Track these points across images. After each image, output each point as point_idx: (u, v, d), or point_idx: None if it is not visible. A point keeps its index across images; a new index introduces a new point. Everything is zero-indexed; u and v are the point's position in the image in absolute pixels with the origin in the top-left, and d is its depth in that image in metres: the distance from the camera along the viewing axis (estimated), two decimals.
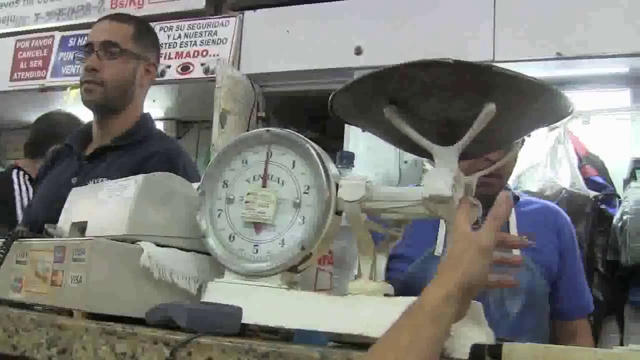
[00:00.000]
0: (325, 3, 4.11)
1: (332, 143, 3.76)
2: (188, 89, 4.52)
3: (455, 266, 1.09)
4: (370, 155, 3.75)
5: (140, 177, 1.50)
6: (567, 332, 2.36)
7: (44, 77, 4.85)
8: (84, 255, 1.35)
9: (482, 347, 1.06)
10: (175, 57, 4.38)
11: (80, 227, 1.58)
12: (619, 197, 3.74)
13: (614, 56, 3.46)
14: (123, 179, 1.59)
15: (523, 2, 3.68)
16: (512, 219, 2.24)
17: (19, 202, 3.54)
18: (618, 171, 3.87)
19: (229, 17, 4.38)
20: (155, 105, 4.77)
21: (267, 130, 1.43)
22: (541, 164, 3.78)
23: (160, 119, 4.96)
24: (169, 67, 4.35)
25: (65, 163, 2.55)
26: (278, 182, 1.40)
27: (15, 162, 3.90)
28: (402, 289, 1.41)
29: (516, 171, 2.48)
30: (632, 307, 3.58)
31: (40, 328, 1.30)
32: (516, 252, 2.02)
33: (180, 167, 2.38)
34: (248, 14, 4.33)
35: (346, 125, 3.23)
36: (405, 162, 3.97)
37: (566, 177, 3.77)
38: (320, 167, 1.35)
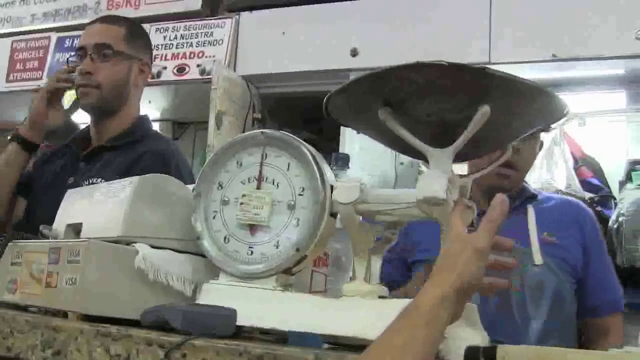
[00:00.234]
0: (321, 5, 4.11)
1: (328, 144, 3.76)
2: (184, 90, 4.52)
3: (451, 268, 1.09)
4: (366, 156, 3.75)
5: (135, 179, 1.50)
6: (598, 330, 2.32)
7: (40, 78, 4.84)
8: (78, 256, 1.35)
9: (476, 349, 1.06)
10: (171, 59, 4.38)
11: (75, 229, 1.58)
12: (615, 199, 3.74)
13: (609, 58, 3.46)
14: (118, 180, 1.59)
15: (519, 4, 3.68)
16: (531, 218, 2.24)
17: None
18: (614, 173, 3.87)
19: (224, 18, 4.38)
20: (151, 107, 4.77)
21: (262, 132, 1.43)
22: (537, 166, 3.77)
23: (157, 120, 4.95)
24: (165, 68, 4.35)
25: (62, 163, 2.55)
26: (273, 183, 1.40)
27: None
28: None
29: None
30: (629, 309, 3.58)
31: (35, 330, 1.30)
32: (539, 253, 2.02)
33: (173, 166, 2.38)
34: (244, 15, 4.32)
35: (342, 126, 3.24)
36: (402, 163, 3.96)
37: (562, 178, 3.77)
38: (315, 169, 1.35)
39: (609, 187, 3.87)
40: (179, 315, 1.21)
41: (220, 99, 3.93)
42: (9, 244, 1.58)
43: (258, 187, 1.41)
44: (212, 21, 4.41)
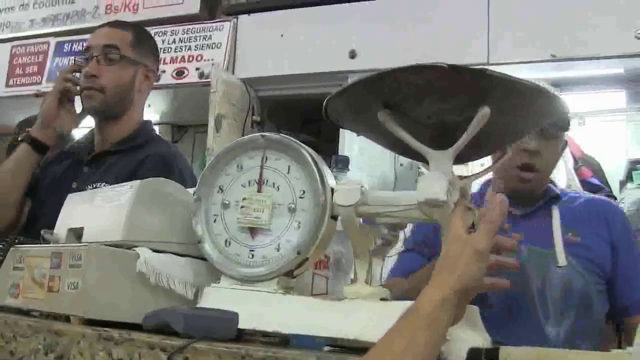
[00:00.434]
0: (319, 7, 4.11)
1: (327, 146, 3.76)
2: (183, 93, 4.52)
3: (451, 270, 1.09)
4: (365, 158, 3.75)
5: (135, 183, 1.50)
6: (631, 331, 2.22)
7: (40, 83, 4.85)
8: (80, 261, 1.35)
9: (479, 351, 1.06)
10: (170, 62, 4.38)
11: (76, 233, 1.58)
12: (616, 199, 3.74)
13: (608, 57, 3.46)
14: (119, 184, 1.59)
15: (517, 4, 3.68)
16: (556, 218, 2.22)
17: None
18: (614, 172, 3.88)
19: (223, 21, 4.38)
20: (151, 110, 4.77)
21: (262, 136, 1.43)
22: None
23: (156, 124, 4.94)
24: (163, 71, 4.34)
25: (65, 167, 2.55)
26: (273, 186, 1.40)
27: None
28: None
29: None
30: None
31: (37, 334, 1.30)
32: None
33: (176, 171, 2.38)
34: (242, 18, 4.33)
35: (341, 128, 3.24)
36: (401, 164, 3.97)
37: (562, 178, 3.76)
38: (316, 171, 1.35)
39: (609, 187, 3.87)
40: (181, 319, 1.21)
41: (220, 102, 3.93)
42: (11, 248, 1.59)
43: (259, 190, 1.41)
44: (211, 24, 4.42)
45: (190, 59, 4.38)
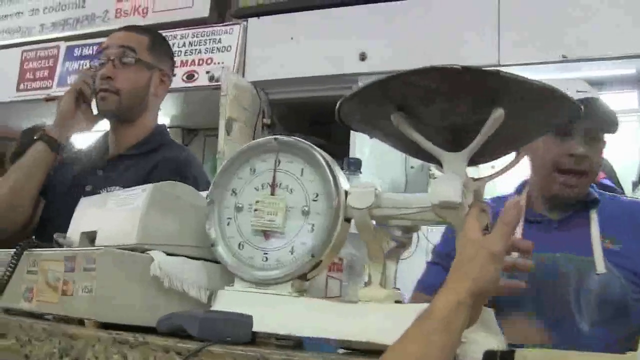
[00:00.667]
0: (329, 9, 4.12)
1: (338, 149, 3.76)
2: (193, 96, 4.53)
3: (466, 272, 1.09)
4: (376, 160, 3.75)
5: (149, 186, 1.50)
6: None
7: (50, 87, 4.87)
8: (94, 264, 1.35)
9: (494, 354, 1.06)
10: (180, 66, 4.39)
11: (89, 237, 1.58)
12: None
13: (620, 58, 3.45)
14: (131, 188, 1.59)
15: (527, 5, 3.68)
16: (594, 224, 2.15)
17: None
18: (626, 174, 3.86)
19: (232, 25, 4.39)
20: (161, 113, 4.74)
21: (275, 139, 1.43)
22: None
23: (166, 127, 4.97)
24: (174, 75, 4.36)
25: (79, 170, 2.55)
26: (287, 189, 1.40)
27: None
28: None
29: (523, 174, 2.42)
30: None
31: (52, 337, 1.30)
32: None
33: (190, 175, 2.38)
34: (252, 21, 4.34)
35: (352, 131, 3.24)
36: (412, 167, 3.97)
37: None
38: (329, 174, 1.35)
39: (621, 188, 3.85)
40: (196, 322, 1.21)
41: (230, 105, 3.94)
42: (25, 252, 1.59)
43: (272, 193, 1.41)
44: (220, 28, 4.43)
45: (201, 62, 4.39)
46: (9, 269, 1.58)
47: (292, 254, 1.36)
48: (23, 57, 5.08)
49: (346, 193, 1.34)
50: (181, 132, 5.15)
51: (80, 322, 1.35)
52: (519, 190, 2.32)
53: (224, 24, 4.43)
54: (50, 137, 2.44)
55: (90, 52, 4.65)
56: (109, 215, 1.57)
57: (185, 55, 4.42)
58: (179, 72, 4.36)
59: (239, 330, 1.24)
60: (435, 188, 1.21)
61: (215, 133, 4.11)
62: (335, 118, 1.37)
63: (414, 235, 1.41)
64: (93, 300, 1.33)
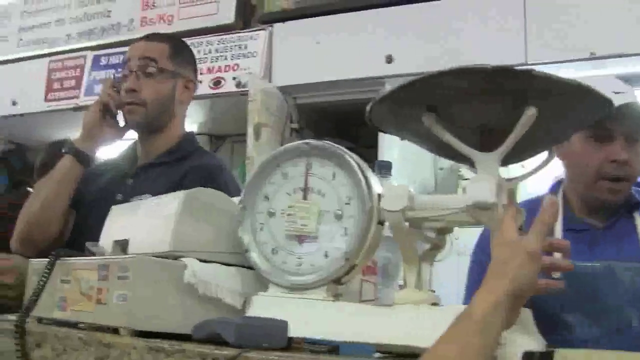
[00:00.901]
0: (354, 13, 4.10)
1: (366, 152, 3.75)
2: (220, 103, 4.52)
3: (503, 273, 1.08)
4: (405, 163, 3.73)
5: (181, 193, 1.50)
6: None
7: (78, 97, 4.89)
8: (128, 272, 1.35)
9: (533, 355, 1.05)
10: (207, 72, 4.39)
11: (122, 245, 1.59)
12: None
13: None
14: (163, 195, 1.60)
15: (552, 2, 3.65)
16: None
17: None
18: None
19: (258, 30, 4.39)
20: (188, 121, 4.76)
21: (306, 143, 1.43)
22: None
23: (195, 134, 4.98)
24: (200, 82, 4.36)
25: (108, 180, 2.56)
26: (319, 194, 1.40)
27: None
28: None
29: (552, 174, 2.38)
30: None
31: (88, 346, 1.30)
32: None
33: (221, 181, 2.38)
34: (277, 26, 4.33)
35: (380, 133, 3.23)
36: (441, 169, 3.94)
37: None
38: (361, 177, 1.35)
39: None
40: (232, 329, 1.21)
41: (258, 111, 3.93)
42: (57, 262, 1.59)
43: (304, 198, 1.41)
44: (246, 34, 4.42)
45: (227, 68, 4.39)
46: (42, 278, 1.58)
47: (326, 258, 1.36)
48: (50, 68, 5.10)
49: (379, 196, 1.33)
50: (208, 139, 5.15)
51: (115, 330, 1.35)
52: (552, 190, 2.29)
53: (249, 29, 4.43)
54: (77, 150, 2.45)
55: (117, 60, 4.67)
56: (141, 223, 1.57)
57: (211, 62, 4.42)
58: (206, 79, 4.36)
59: (274, 336, 1.24)
60: (470, 189, 1.21)
61: (242, 139, 4.11)
62: (364, 120, 1.36)
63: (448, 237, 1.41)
64: (127, 308, 1.33)
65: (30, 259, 1.78)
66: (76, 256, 1.59)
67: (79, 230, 2.48)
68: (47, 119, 5.10)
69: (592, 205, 2.15)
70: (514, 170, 1.38)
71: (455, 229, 1.39)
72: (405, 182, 3.60)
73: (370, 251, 1.35)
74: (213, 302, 1.41)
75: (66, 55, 5.12)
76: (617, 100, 1.56)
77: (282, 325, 1.26)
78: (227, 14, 4.57)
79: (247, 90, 4.01)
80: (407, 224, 1.31)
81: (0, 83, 5.22)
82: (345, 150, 1.40)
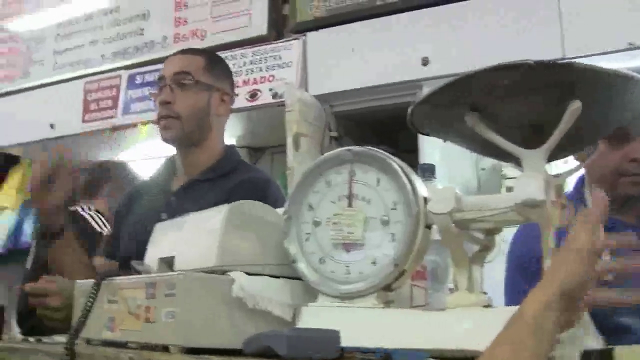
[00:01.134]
0: (387, 17, 4.08)
1: (406, 157, 3.73)
2: (257, 115, 4.53)
3: (554, 272, 1.06)
4: (446, 165, 3.71)
5: (224, 207, 1.49)
6: None
7: (115, 116, 4.92)
8: (175, 289, 1.35)
9: (592, 353, 1.03)
10: (243, 85, 4.40)
11: (167, 262, 1.58)
12: None
13: None
14: (206, 210, 1.59)
15: None
16: None
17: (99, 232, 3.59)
18: None
19: (292, 40, 4.39)
20: (226, 134, 4.79)
21: (349, 150, 1.42)
22: None
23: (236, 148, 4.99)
24: (237, 95, 4.37)
25: (150, 199, 2.55)
26: (364, 200, 1.38)
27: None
28: None
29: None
30: None
31: None
32: None
33: (271, 195, 2.36)
34: (311, 35, 4.32)
35: (420, 137, 3.21)
36: (483, 169, 3.91)
37: None
38: (406, 181, 1.33)
39: None
40: (284, 341, 1.19)
41: (296, 121, 3.93)
42: (103, 282, 1.59)
43: (349, 205, 1.39)
44: (280, 44, 4.43)
45: (263, 80, 4.39)
46: (89, 299, 1.58)
47: (374, 265, 1.34)
48: (86, 89, 5.15)
49: (425, 199, 1.32)
50: (247, 151, 5.16)
51: (165, 348, 1.35)
52: (577, 188, 2.27)
53: (283, 40, 4.43)
54: None
55: (152, 78, 4.69)
56: (186, 239, 1.57)
57: (246, 74, 4.43)
58: (242, 91, 4.37)
59: (326, 346, 1.22)
60: (518, 187, 1.19)
61: (281, 150, 4.11)
62: (403, 125, 1.35)
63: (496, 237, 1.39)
64: (176, 325, 1.33)
65: (75, 280, 1.77)
66: (122, 275, 1.59)
67: (129, 257, 2.48)
68: (86, 140, 5.14)
69: (618, 200, 2.12)
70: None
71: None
72: (448, 184, 3.58)
73: (419, 256, 1.33)
74: (262, 315, 1.40)
75: (101, 76, 5.17)
76: None
77: (334, 335, 1.24)
78: (260, 26, 4.58)
79: (284, 101, 4.00)
80: (454, 226, 1.29)
81: (37, 107, 5.27)
82: (388, 154, 1.39)
